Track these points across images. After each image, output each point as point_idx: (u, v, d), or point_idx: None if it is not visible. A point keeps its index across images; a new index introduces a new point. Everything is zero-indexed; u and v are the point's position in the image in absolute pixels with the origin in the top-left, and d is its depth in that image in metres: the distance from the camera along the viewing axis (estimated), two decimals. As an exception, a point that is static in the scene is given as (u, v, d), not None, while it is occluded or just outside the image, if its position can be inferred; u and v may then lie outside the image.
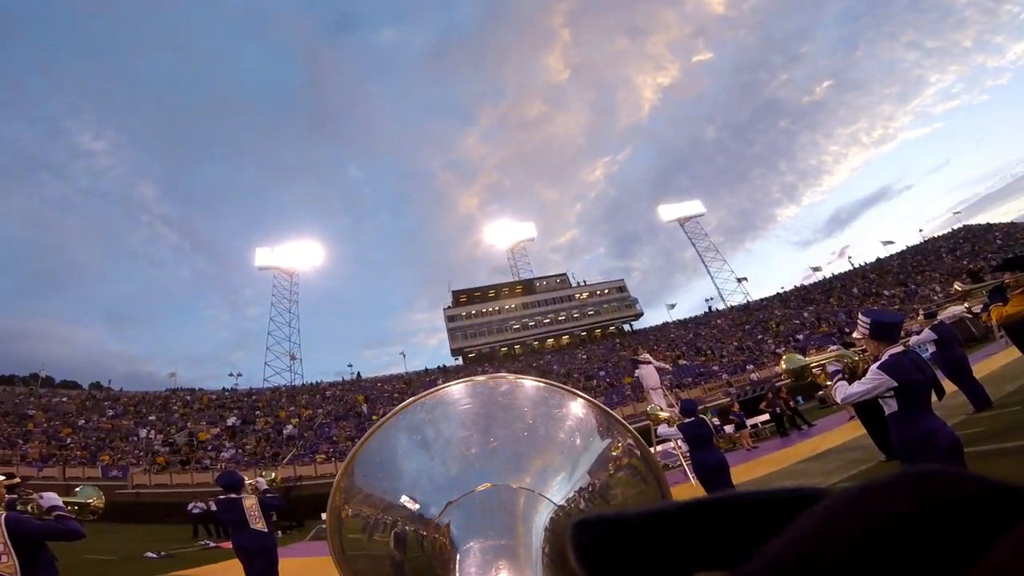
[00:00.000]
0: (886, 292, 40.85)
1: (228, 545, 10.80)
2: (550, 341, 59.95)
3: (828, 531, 0.16)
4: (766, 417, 18.99)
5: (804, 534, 0.16)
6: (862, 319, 3.69)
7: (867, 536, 0.15)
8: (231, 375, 71.26)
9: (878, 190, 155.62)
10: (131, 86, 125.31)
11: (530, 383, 0.57)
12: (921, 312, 9.31)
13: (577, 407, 0.55)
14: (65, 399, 37.74)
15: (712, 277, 66.96)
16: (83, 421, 32.37)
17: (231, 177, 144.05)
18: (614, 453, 0.53)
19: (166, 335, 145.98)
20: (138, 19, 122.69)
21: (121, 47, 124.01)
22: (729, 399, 25.43)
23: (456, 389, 0.56)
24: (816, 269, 62.13)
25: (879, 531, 0.15)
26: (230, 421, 34.45)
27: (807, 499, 0.19)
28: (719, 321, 50.46)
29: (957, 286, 7.24)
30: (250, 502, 5.67)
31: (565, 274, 66.24)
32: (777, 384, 19.66)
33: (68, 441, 29.27)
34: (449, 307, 61.09)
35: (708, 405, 23.54)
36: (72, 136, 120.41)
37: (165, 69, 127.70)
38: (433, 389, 0.56)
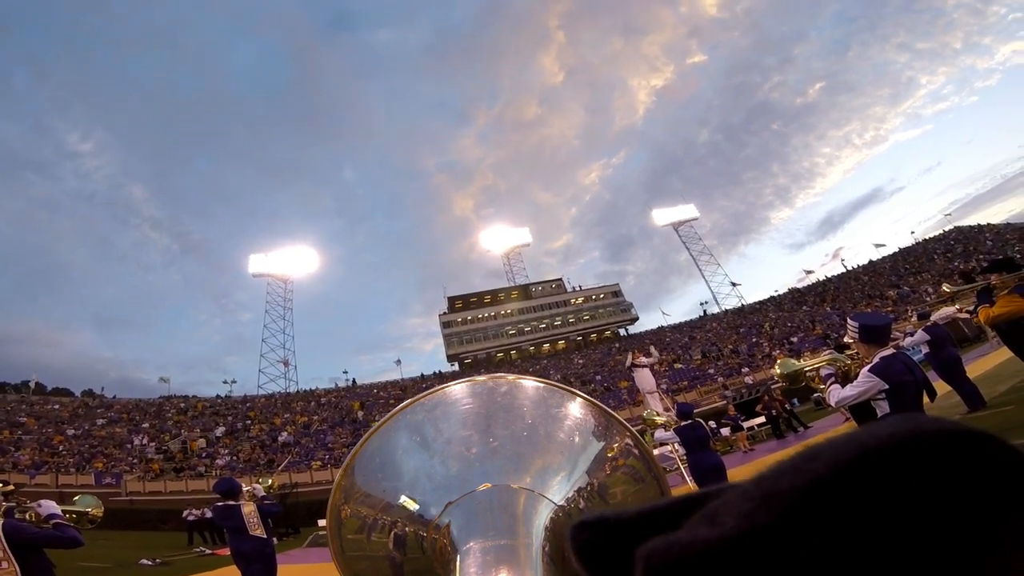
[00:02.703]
0: (887, 294, 41.04)
1: (224, 552, 10.72)
2: (546, 346, 59.90)
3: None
4: (762, 420, 19.05)
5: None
6: (851, 323, 3.72)
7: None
8: (225, 382, 70.97)
9: (870, 192, 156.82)
10: (119, 84, 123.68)
11: (530, 383, 0.58)
12: (914, 314, 9.37)
13: (577, 407, 0.55)
14: (57, 407, 37.35)
15: (706, 281, 67.25)
16: (72, 431, 32.00)
17: (222, 178, 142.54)
18: (613, 453, 0.53)
19: (158, 340, 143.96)
20: (128, 15, 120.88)
21: (110, 44, 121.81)
22: (725, 402, 25.48)
23: (456, 389, 0.57)
24: (809, 272, 62.84)
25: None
26: (225, 428, 34.21)
27: None
28: (714, 324, 50.57)
29: (946, 287, 7.30)
30: (248, 509, 5.62)
31: (560, 279, 66.25)
32: (772, 387, 19.71)
33: (60, 448, 28.96)
34: (445, 313, 60.90)
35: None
36: (59, 135, 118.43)
37: (155, 67, 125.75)
38: (433, 389, 0.56)
